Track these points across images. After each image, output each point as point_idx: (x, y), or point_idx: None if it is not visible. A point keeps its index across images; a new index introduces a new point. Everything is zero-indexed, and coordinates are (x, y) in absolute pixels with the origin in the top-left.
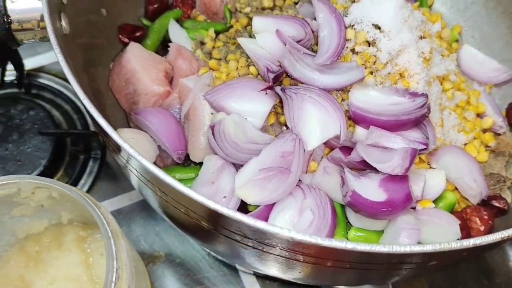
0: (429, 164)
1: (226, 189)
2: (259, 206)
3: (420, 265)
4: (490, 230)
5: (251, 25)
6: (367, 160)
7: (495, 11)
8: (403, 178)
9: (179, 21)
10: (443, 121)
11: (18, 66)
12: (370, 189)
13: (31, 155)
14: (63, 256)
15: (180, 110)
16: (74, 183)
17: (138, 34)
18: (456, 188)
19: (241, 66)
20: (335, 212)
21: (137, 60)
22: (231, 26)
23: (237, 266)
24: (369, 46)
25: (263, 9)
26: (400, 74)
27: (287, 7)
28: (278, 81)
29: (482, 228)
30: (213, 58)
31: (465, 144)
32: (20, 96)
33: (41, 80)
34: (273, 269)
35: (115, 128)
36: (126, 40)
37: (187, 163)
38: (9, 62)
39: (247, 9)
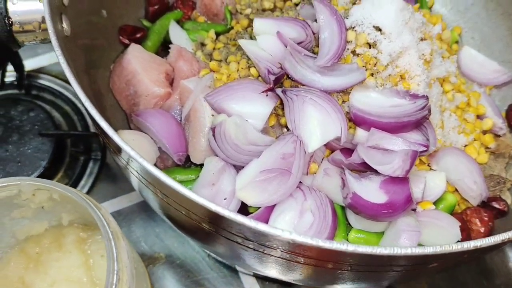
0: (429, 166)
1: (227, 191)
2: (259, 207)
3: (421, 267)
4: (490, 232)
5: (252, 26)
6: (368, 162)
7: (495, 12)
8: (403, 180)
9: (179, 22)
10: (444, 122)
11: (18, 67)
12: (371, 191)
13: (31, 156)
14: (63, 258)
15: (181, 111)
16: (74, 184)
17: (138, 35)
18: (456, 190)
19: (242, 68)
20: (336, 213)
21: (138, 62)
22: (232, 28)
23: (237, 268)
24: (369, 48)
25: (264, 10)
26: (400, 76)
27: (287, 9)
28: (279, 83)
29: (482, 230)
30: (214, 59)
31: (465, 145)
32: (20, 97)
33: (41, 81)
34: (274, 271)
35: (115, 129)
36: (126, 41)
37: (187, 165)
38: (9, 63)
39: (248, 11)
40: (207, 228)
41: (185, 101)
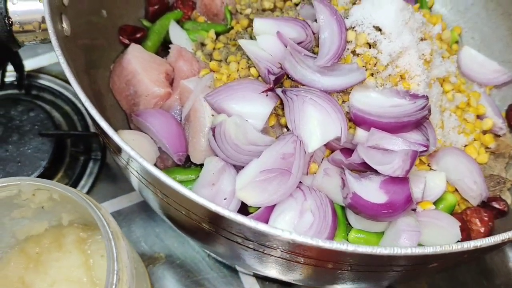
0: (429, 166)
1: (227, 191)
2: (259, 207)
3: (420, 267)
4: (490, 232)
5: (252, 26)
6: (368, 162)
7: (495, 12)
8: (403, 180)
9: (179, 22)
10: (444, 122)
11: (18, 67)
12: (371, 191)
13: (31, 156)
14: (63, 258)
15: (181, 111)
16: (74, 184)
17: (138, 35)
18: (456, 190)
19: (242, 68)
20: (336, 213)
21: (138, 62)
22: (232, 28)
23: (237, 268)
24: (369, 48)
25: (264, 10)
26: (400, 76)
27: (287, 9)
28: (279, 83)
29: (482, 230)
30: (214, 59)
31: (465, 145)
32: (20, 97)
33: (41, 81)
34: (274, 271)
35: (115, 129)
36: (126, 41)
37: (187, 165)
38: (9, 63)
39: (248, 11)
40: (207, 228)
41: (185, 101)
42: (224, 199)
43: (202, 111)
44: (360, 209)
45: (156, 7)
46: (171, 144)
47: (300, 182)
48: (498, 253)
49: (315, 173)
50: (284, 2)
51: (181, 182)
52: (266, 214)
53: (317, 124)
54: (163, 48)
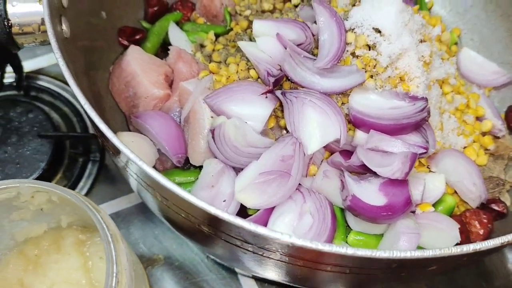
0: (428, 168)
1: (226, 193)
2: (258, 209)
3: (420, 270)
4: (489, 234)
5: (251, 28)
6: (367, 164)
7: (494, 14)
8: (403, 182)
9: (179, 23)
10: (443, 124)
11: (17, 68)
12: (370, 193)
13: (30, 158)
14: (62, 260)
15: (180, 113)
16: (73, 186)
17: (138, 37)
18: (455, 192)
19: (241, 70)
20: (335, 216)
21: (137, 63)
22: (231, 29)
23: (236, 269)
24: (369, 49)
25: (263, 12)
26: (400, 77)
27: (287, 10)
28: (278, 84)
29: (481, 232)
30: (213, 61)
31: (465, 147)
32: (19, 99)
33: (40, 82)
34: (273, 273)
35: (114, 131)
36: (126, 43)
37: (186, 167)
38: (8, 64)
39: (247, 12)
40: (206, 230)
41: (184, 103)
42: (223, 201)
43: (202, 113)
44: (359, 211)
45: (155, 8)
46: (170, 146)
47: (299, 184)
48: (497, 254)
49: (314, 175)
50: (283, 4)
51: (180, 184)
52: (265, 216)
53: (316, 126)
54: (163, 49)
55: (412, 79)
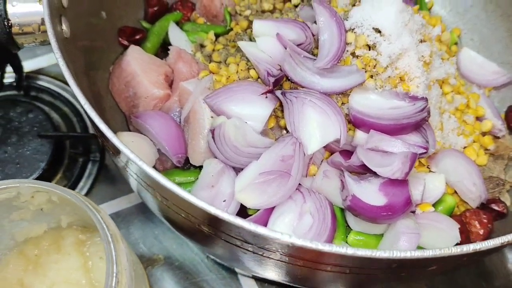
0: (428, 168)
1: (226, 193)
2: (258, 209)
3: (420, 270)
4: (489, 234)
5: (251, 28)
6: (367, 164)
7: (494, 14)
8: (403, 182)
9: (179, 23)
10: (443, 124)
11: (17, 68)
12: (370, 193)
13: (30, 158)
14: (62, 260)
15: (180, 113)
16: (73, 186)
17: (138, 37)
18: (455, 192)
19: (241, 70)
20: (335, 216)
21: (137, 63)
22: (231, 29)
23: (236, 269)
24: (369, 49)
25: (263, 12)
26: (400, 77)
27: (287, 10)
28: (278, 84)
29: (481, 232)
30: (213, 61)
31: (465, 147)
32: (19, 99)
33: (40, 82)
34: (273, 273)
35: (114, 131)
36: (125, 43)
37: (186, 167)
38: (8, 64)
39: (247, 12)
40: (206, 230)
41: (184, 103)
42: (223, 201)
43: (202, 113)
44: (359, 211)
45: (155, 8)
46: (171, 146)
47: (299, 184)
48: (497, 254)
49: (314, 175)
50: (283, 4)
51: (180, 184)
52: (265, 216)
53: (316, 126)
54: (163, 49)
55: (412, 79)
